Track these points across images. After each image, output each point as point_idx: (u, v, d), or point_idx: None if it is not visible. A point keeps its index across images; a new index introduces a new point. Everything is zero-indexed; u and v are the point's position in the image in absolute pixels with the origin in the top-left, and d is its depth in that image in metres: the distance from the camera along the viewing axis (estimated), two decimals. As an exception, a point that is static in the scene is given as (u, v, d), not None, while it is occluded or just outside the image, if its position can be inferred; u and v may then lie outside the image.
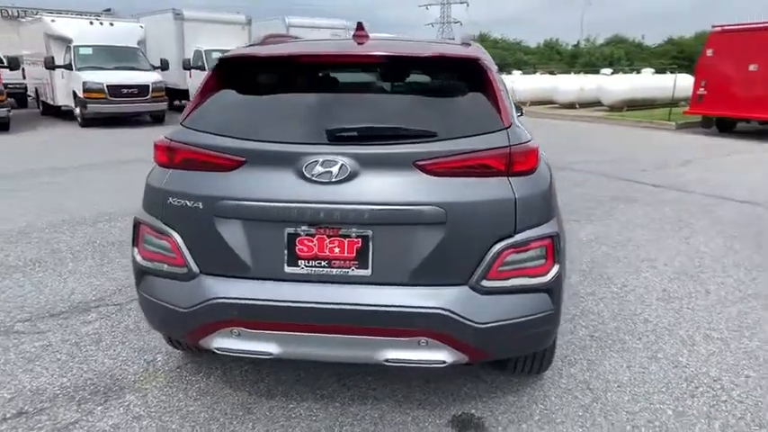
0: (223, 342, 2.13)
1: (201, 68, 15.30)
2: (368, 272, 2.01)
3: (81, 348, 2.97)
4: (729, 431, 2.32)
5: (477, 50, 2.37)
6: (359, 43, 2.44)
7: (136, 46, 14.57)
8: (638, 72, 20.92)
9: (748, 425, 2.37)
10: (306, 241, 2.02)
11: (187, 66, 15.46)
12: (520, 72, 24.48)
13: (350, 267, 2.01)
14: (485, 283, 2.01)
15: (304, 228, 2.01)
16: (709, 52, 11.95)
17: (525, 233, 2.03)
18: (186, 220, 2.10)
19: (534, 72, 25.36)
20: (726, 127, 12.66)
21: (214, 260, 2.10)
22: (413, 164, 1.98)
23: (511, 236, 2.01)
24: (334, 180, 1.96)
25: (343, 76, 2.51)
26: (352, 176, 1.96)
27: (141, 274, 2.29)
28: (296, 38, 2.95)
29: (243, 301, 2.04)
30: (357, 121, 2.07)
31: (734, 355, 2.94)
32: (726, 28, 11.76)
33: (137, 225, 2.26)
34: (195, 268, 2.12)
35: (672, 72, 19.69)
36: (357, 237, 1.99)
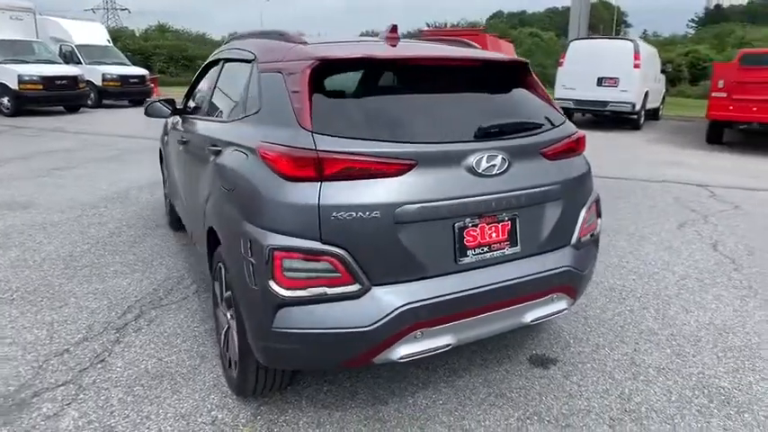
0: (407, 348, 2.10)
1: None
2: (518, 248, 2.31)
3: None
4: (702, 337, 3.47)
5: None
6: (392, 45, 2.60)
7: None
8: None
9: (688, 337, 3.47)
10: (471, 231, 2.18)
11: None
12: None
13: (504, 248, 2.27)
14: (581, 240, 2.56)
15: (469, 219, 2.16)
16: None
17: (591, 198, 2.65)
18: (358, 233, 1.97)
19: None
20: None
21: (388, 268, 2.04)
22: (538, 151, 2.36)
23: (586, 202, 2.61)
24: (497, 172, 2.18)
25: (439, 78, 2.59)
26: (509, 167, 2.22)
27: (279, 308, 1.99)
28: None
29: (430, 302, 2.07)
30: (485, 118, 2.29)
31: (649, 292, 4.06)
32: (434, 30, 14.55)
33: (272, 253, 1.95)
34: (366, 282, 2.01)
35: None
36: (508, 219, 2.27)
